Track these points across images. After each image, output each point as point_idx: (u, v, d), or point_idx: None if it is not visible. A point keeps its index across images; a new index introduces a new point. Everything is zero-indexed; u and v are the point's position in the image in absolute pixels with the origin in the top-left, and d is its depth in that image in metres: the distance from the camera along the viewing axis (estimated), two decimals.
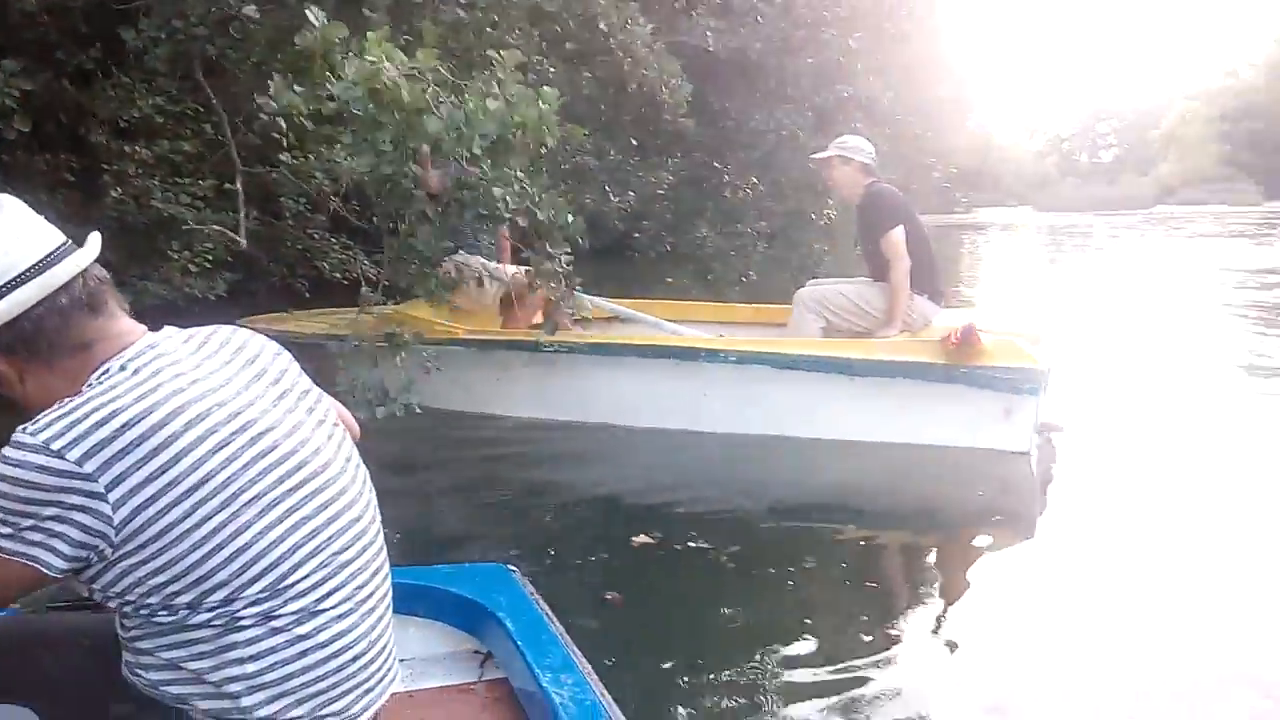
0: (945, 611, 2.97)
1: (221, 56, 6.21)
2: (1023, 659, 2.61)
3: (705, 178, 11.69)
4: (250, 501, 1.20)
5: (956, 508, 3.92)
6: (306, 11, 4.26)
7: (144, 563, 1.17)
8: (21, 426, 1.16)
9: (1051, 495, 4.04)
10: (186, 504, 1.16)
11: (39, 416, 1.17)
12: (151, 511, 1.15)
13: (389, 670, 1.40)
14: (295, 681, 1.26)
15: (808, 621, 2.87)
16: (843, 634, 2.80)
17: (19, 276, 1.21)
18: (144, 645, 1.24)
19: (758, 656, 2.64)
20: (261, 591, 1.21)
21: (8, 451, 1.15)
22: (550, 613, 1.72)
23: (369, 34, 4.09)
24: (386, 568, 1.39)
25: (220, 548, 1.18)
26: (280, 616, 1.23)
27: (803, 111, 11.34)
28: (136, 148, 7.52)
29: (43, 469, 1.13)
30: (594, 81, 8.98)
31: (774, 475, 4.47)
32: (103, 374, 1.22)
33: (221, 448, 1.19)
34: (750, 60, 10.25)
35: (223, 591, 1.20)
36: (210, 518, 1.17)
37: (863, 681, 2.50)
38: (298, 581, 1.24)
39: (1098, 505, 3.84)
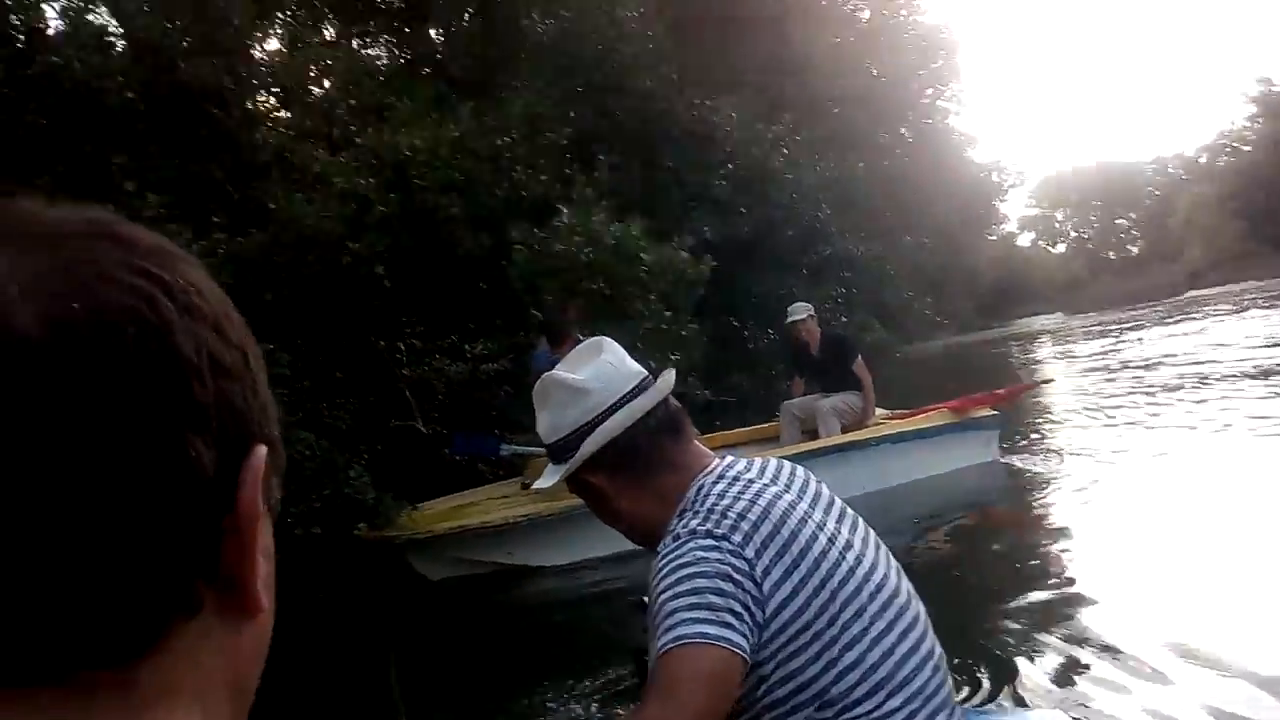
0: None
1: None
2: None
3: (729, 336, 14.23)
4: (858, 614, 1.21)
5: (976, 485, 7.15)
6: None
7: (777, 665, 1.18)
8: (669, 533, 1.24)
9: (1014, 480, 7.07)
10: (816, 604, 1.18)
11: (682, 519, 1.25)
12: (792, 608, 1.17)
13: None
14: None
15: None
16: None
17: (618, 402, 1.35)
18: None
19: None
20: (866, 715, 1.19)
21: (673, 549, 1.20)
22: None
23: None
24: (953, 699, 1.34)
25: (839, 657, 1.18)
26: None
27: (796, 271, 14.04)
28: None
29: (718, 549, 1.18)
30: None
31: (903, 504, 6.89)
32: (700, 489, 1.29)
33: (825, 554, 1.23)
34: (742, 240, 13.00)
35: (833, 709, 1.18)
36: (832, 624, 1.18)
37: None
38: (895, 710, 1.21)
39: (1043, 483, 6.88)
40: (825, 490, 1.39)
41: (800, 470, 1.41)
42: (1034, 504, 6.40)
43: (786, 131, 14.49)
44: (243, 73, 9.12)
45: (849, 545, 1.28)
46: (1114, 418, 9.37)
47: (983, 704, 3.10)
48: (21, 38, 7.97)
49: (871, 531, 1.37)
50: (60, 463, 0.34)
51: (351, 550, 6.66)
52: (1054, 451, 7.85)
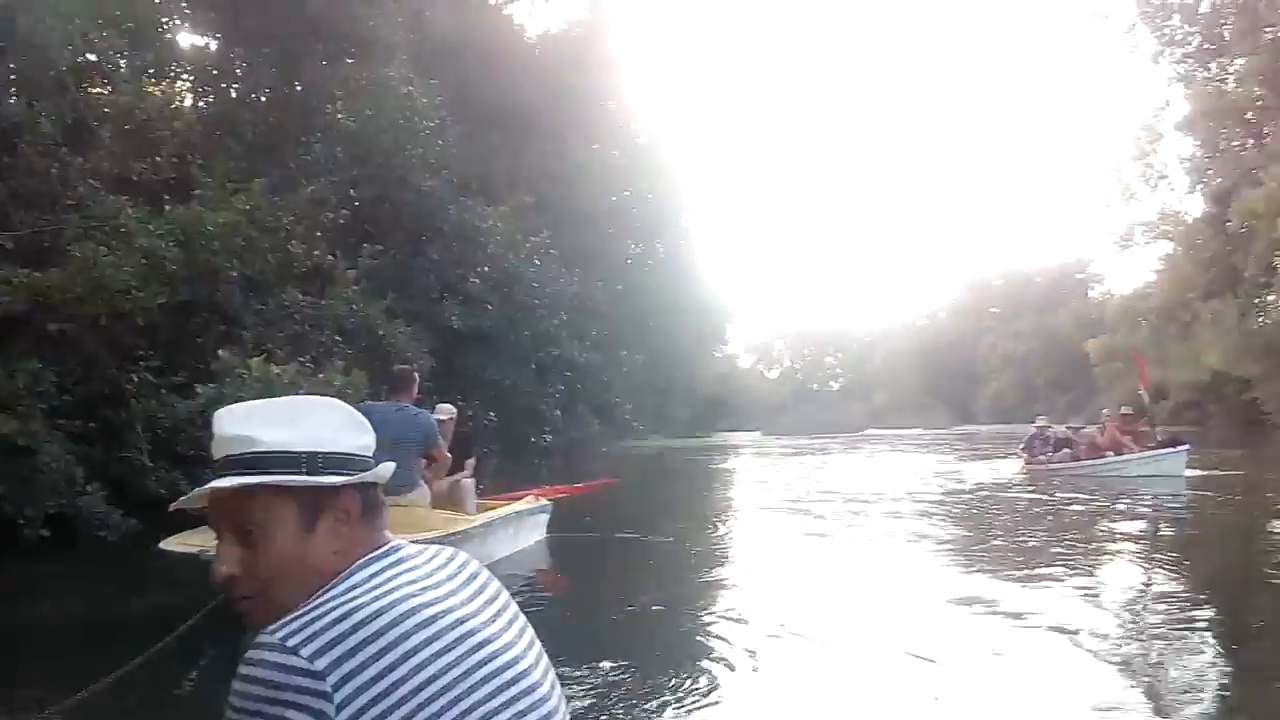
0: None
1: None
2: None
3: None
4: (467, 711, 1.19)
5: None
6: None
7: None
8: (266, 628, 1.20)
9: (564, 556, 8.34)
10: (407, 707, 1.14)
11: (300, 610, 1.19)
12: (374, 713, 1.13)
13: None
14: None
15: None
16: None
17: (377, 455, 1.35)
18: None
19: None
20: None
21: (250, 651, 1.17)
22: None
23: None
24: None
25: None
26: None
27: (527, 367, 16.05)
28: None
29: (278, 666, 1.14)
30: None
31: None
32: (348, 574, 1.25)
33: (445, 653, 1.20)
34: (483, 333, 14.84)
35: None
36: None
37: None
38: None
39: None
40: (493, 585, 1.38)
41: (471, 563, 1.38)
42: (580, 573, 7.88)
43: (543, 244, 16.66)
44: (55, 113, 9.86)
45: (485, 642, 1.24)
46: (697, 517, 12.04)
47: None
48: None
49: (528, 632, 1.36)
50: None
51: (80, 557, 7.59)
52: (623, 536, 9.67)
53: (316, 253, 11.04)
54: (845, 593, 6.89)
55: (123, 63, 12.27)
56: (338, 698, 1.11)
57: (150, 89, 12.31)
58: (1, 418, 7.12)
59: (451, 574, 1.33)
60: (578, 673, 4.64)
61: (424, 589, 1.25)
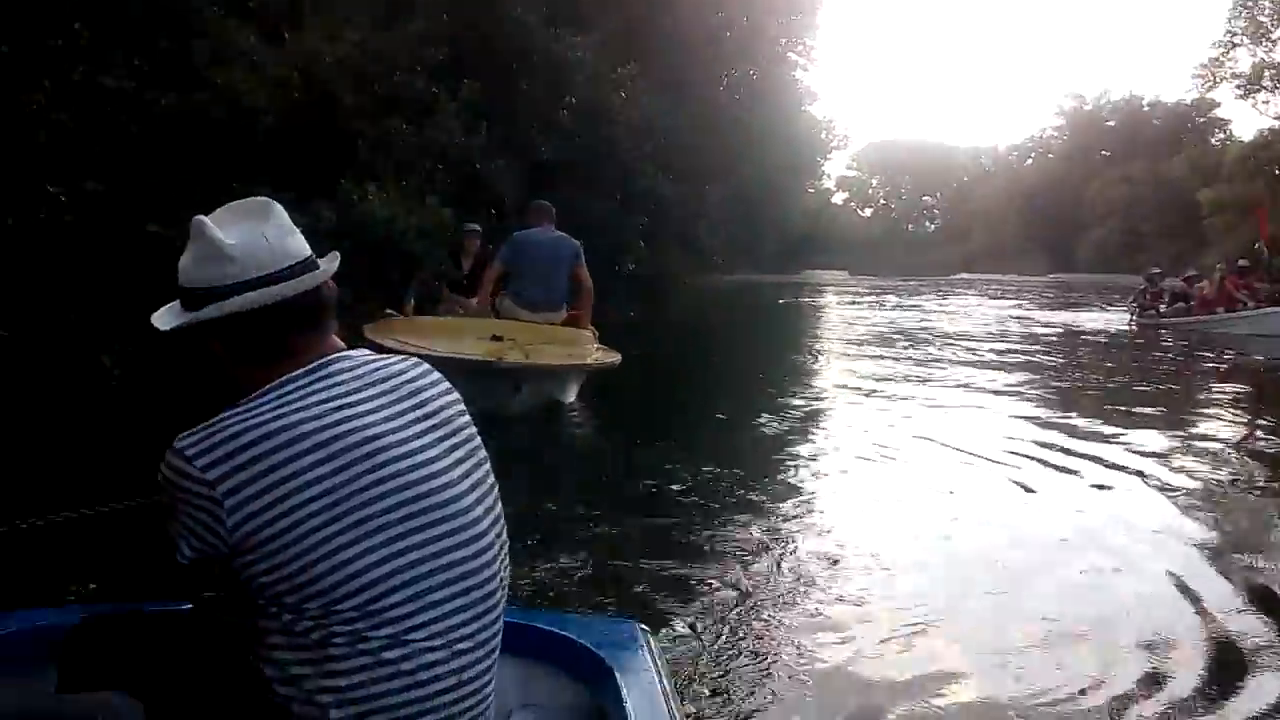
0: None
1: None
2: None
3: None
4: (357, 522, 1.30)
5: None
6: None
7: (253, 564, 1.29)
8: (180, 435, 1.33)
9: None
10: (295, 516, 1.28)
11: (193, 430, 1.33)
12: (260, 520, 1.28)
13: (481, 713, 1.41)
14: (380, 703, 1.31)
15: None
16: None
17: (257, 280, 1.36)
18: (266, 641, 1.34)
19: None
20: (353, 610, 1.30)
21: (168, 453, 1.33)
22: (671, 683, 1.76)
23: None
24: (498, 612, 1.43)
25: (319, 560, 1.28)
26: (370, 639, 1.30)
27: (612, 198, 16.74)
28: None
29: (179, 472, 1.31)
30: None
31: None
32: (262, 391, 1.35)
33: (341, 470, 1.31)
34: (572, 165, 15.48)
35: (318, 602, 1.29)
36: (315, 531, 1.28)
37: None
38: (389, 608, 1.31)
39: None
40: (441, 405, 1.45)
41: (424, 382, 1.46)
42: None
43: (630, 75, 16.94)
44: None
45: (394, 459, 1.34)
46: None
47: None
48: None
49: (465, 454, 1.44)
50: None
51: None
52: None
53: (418, 85, 11.76)
54: (929, 425, 7.36)
55: None
56: (227, 504, 1.29)
57: None
58: None
59: (386, 390, 1.40)
60: (669, 464, 5.48)
61: (338, 406, 1.35)
